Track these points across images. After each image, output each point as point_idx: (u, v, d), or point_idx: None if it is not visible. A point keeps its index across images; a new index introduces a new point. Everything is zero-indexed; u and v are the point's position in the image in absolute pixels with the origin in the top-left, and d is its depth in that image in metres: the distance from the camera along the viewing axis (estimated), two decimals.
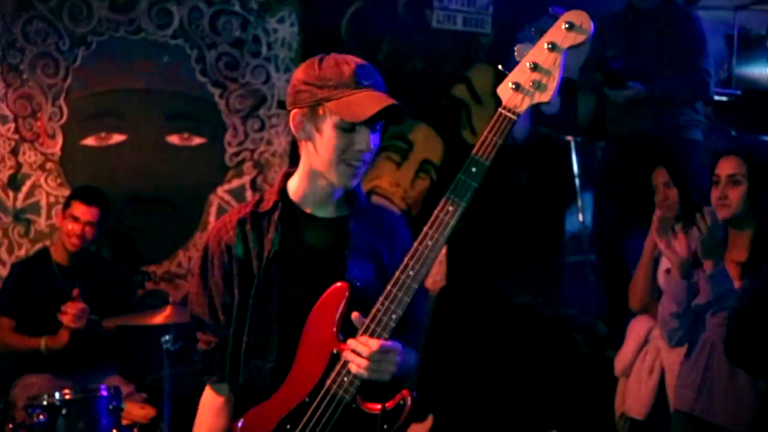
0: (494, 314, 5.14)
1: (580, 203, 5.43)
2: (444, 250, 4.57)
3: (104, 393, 3.60)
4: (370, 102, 1.93)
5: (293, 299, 2.01)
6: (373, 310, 1.91)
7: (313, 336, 1.98)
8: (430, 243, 1.89)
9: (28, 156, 4.67)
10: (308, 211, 2.07)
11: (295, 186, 2.08)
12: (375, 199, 5.07)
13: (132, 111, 4.84)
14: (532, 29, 1.93)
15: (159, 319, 3.73)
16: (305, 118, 2.01)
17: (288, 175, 2.11)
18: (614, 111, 4.79)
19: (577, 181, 5.45)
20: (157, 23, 4.82)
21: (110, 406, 3.59)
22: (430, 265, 1.90)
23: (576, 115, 5.50)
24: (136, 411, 3.96)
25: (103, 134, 4.80)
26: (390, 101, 1.94)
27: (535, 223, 5.51)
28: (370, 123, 1.97)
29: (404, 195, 5.32)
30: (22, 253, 4.64)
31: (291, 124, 2.03)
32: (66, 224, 4.17)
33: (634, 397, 3.83)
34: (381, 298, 1.91)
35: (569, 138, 5.48)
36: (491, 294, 5.28)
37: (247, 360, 2.03)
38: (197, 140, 4.94)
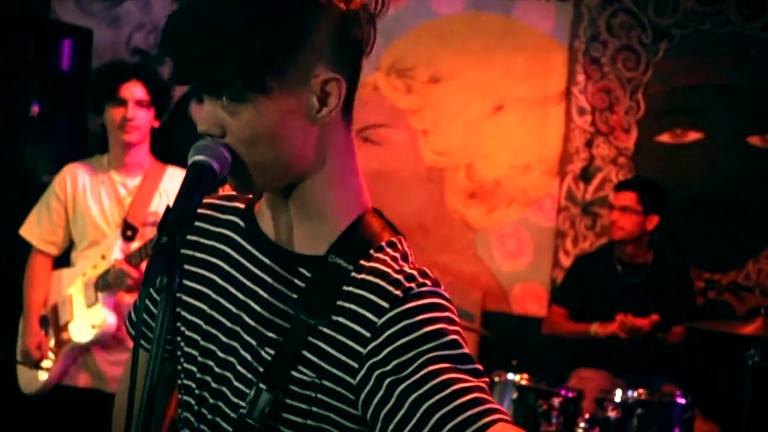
0: None
1: None
2: None
3: (680, 400, 3.39)
4: None
5: None
6: None
7: None
8: None
9: (602, 149, 4.63)
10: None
11: None
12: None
13: (711, 108, 4.56)
14: None
15: (748, 329, 3.39)
16: None
17: None
18: None
19: None
20: (746, 15, 4.47)
21: (684, 416, 3.37)
22: None
23: None
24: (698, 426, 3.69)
25: (678, 131, 4.59)
26: None
27: None
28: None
29: None
30: (586, 245, 4.62)
31: None
32: (612, 214, 4.08)
33: None
34: None
35: None
36: None
37: None
38: None
